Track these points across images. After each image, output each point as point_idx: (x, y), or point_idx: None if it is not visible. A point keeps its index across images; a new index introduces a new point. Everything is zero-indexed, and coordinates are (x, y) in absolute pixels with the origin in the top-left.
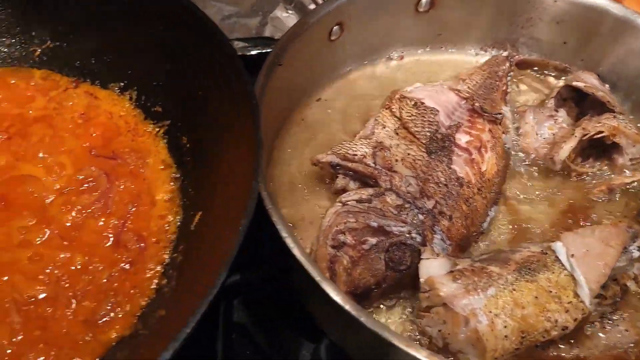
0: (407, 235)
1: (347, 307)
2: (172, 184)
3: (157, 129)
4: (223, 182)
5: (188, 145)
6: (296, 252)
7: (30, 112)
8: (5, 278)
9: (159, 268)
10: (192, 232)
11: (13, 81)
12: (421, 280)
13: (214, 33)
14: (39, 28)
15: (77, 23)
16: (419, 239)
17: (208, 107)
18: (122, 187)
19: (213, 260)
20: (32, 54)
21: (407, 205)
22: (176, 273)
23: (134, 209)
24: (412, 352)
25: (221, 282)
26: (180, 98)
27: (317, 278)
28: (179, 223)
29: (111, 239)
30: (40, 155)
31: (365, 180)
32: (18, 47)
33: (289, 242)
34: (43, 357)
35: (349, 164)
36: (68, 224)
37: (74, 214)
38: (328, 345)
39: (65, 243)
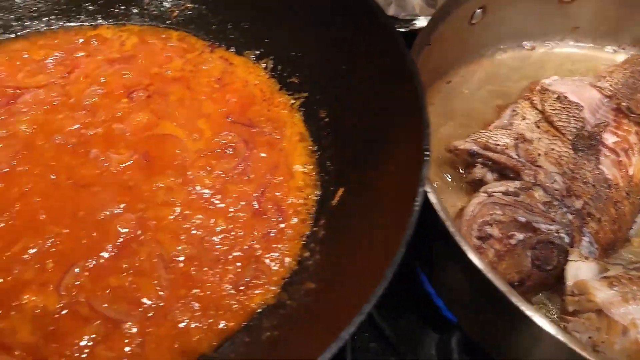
0: (555, 234)
1: (514, 299)
2: (308, 157)
3: (293, 101)
4: (374, 161)
5: (327, 120)
6: (462, 244)
7: (168, 72)
8: (151, 234)
9: (300, 240)
10: (333, 208)
11: (151, 40)
12: (568, 283)
13: (371, 9)
14: None
15: None
16: (567, 239)
17: (354, 83)
18: (260, 155)
19: (375, 243)
20: (169, 15)
21: (555, 203)
22: (319, 247)
23: (272, 179)
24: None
25: (395, 266)
26: (320, 71)
27: (483, 269)
28: (317, 197)
29: (252, 206)
30: (179, 116)
31: (504, 172)
32: (156, 6)
33: (453, 233)
34: (189, 315)
35: (490, 154)
36: (208, 187)
37: (214, 177)
38: (460, 339)
39: (206, 205)
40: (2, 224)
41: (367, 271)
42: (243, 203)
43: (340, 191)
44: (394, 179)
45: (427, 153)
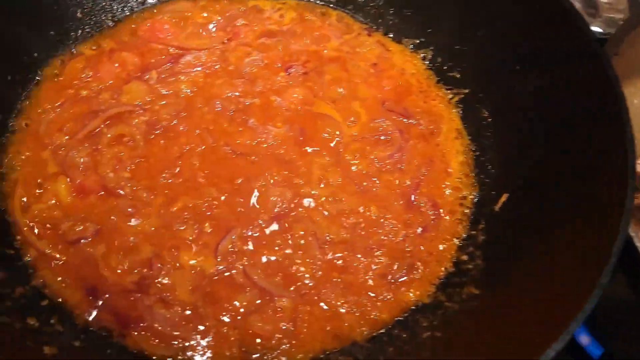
0: None
1: None
2: (466, 156)
3: (452, 96)
4: (556, 173)
5: (490, 120)
6: None
7: (325, 51)
8: (306, 212)
9: (455, 241)
10: (495, 213)
11: (309, 17)
12: None
13: (564, 7)
14: None
15: None
16: None
17: (530, 87)
18: (415, 147)
19: (563, 255)
20: None
21: None
22: (479, 253)
23: (426, 173)
24: None
25: (608, 275)
26: (487, 68)
27: None
28: (476, 199)
29: (406, 198)
30: (335, 96)
31: None
32: None
33: None
34: (341, 300)
35: None
36: (363, 173)
37: (368, 163)
38: None
39: (360, 191)
40: (164, 181)
41: (561, 285)
42: (397, 193)
43: (504, 197)
44: (581, 192)
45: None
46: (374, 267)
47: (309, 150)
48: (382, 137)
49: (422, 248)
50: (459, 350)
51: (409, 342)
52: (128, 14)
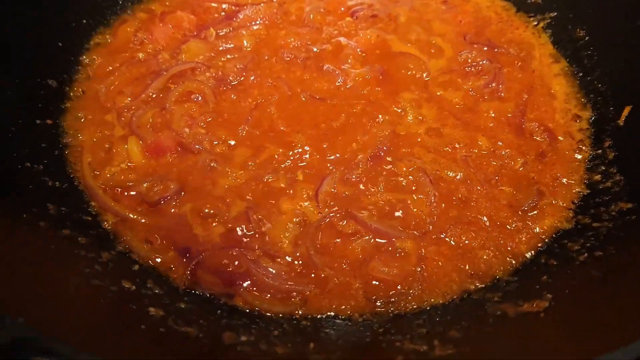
0: None
1: None
2: (568, 78)
3: (536, 22)
4: None
5: (587, 39)
6: None
7: None
8: (407, 149)
9: (581, 163)
10: (620, 128)
11: None
12: None
13: None
14: None
15: None
16: None
17: None
18: (511, 75)
19: None
20: None
21: None
22: (615, 169)
23: (529, 99)
24: None
25: None
26: None
27: None
28: (592, 118)
29: (514, 125)
30: (411, 35)
31: None
32: None
33: None
34: (469, 236)
35: None
36: (460, 105)
37: (463, 95)
38: None
39: (462, 123)
40: (244, 133)
41: None
42: (503, 122)
43: (627, 110)
44: None
45: None
46: (497, 200)
47: (396, 88)
48: (472, 69)
49: (545, 174)
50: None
51: (565, 267)
52: None
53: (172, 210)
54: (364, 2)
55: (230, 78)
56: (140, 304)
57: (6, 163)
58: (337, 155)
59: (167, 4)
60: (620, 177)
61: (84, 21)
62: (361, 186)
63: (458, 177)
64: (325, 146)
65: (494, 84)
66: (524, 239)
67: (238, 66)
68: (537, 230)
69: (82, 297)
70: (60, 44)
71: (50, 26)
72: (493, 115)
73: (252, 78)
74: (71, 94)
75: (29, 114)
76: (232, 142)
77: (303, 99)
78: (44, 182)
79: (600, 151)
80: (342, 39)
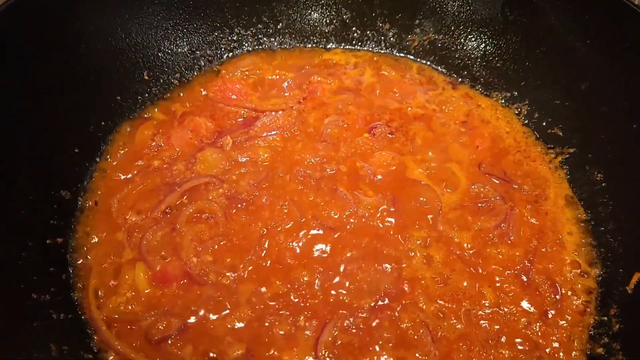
0: None
1: None
2: (581, 226)
3: (554, 155)
4: None
5: (604, 185)
6: None
7: (410, 109)
8: (411, 297)
9: (582, 329)
10: (629, 296)
11: (387, 71)
12: None
13: None
14: (424, 19)
15: (469, 21)
16: None
17: None
18: (522, 216)
19: None
20: (409, 44)
21: None
22: (619, 345)
23: (538, 246)
24: None
25: None
26: (596, 124)
27: None
28: (600, 277)
29: (520, 276)
30: (427, 159)
31: None
32: (395, 34)
33: None
34: None
35: None
36: (468, 248)
37: (472, 236)
38: None
39: (468, 269)
40: (250, 264)
41: None
42: (509, 272)
43: (636, 276)
44: None
45: None
46: None
47: (406, 222)
48: (483, 205)
49: (547, 338)
50: None
51: None
52: (196, 73)
53: (174, 350)
54: (382, 117)
55: (243, 195)
56: None
57: (13, 301)
58: (340, 297)
59: (188, 104)
60: (621, 357)
61: (102, 123)
62: (362, 338)
63: (460, 335)
64: (330, 286)
65: (504, 226)
66: None
67: (251, 183)
68: None
69: None
70: (76, 150)
71: (67, 131)
72: (499, 262)
73: (264, 199)
74: (83, 205)
75: (41, 233)
76: (238, 274)
77: (313, 226)
78: (49, 316)
79: (605, 318)
80: (358, 160)
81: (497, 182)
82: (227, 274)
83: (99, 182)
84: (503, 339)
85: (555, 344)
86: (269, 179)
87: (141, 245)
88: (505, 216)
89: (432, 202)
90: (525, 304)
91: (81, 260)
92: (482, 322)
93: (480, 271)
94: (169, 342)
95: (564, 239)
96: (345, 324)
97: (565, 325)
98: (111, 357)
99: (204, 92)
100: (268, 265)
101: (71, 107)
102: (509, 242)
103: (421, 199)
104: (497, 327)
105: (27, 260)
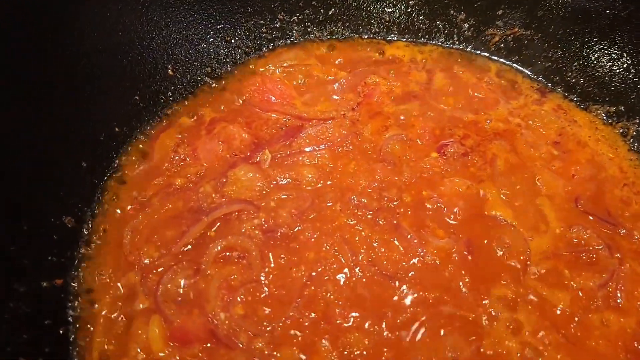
0: None
1: None
2: None
3: None
4: None
5: None
6: None
7: (489, 122)
8: None
9: None
10: None
11: (460, 71)
12: None
13: None
14: (510, 9)
15: (567, 13)
16: None
17: None
18: (633, 273)
19: None
20: (487, 40)
21: None
22: None
23: None
24: None
25: None
26: None
27: None
28: None
29: (634, 353)
30: (510, 190)
31: None
32: (472, 27)
33: None
34: None
35: None
36: (565, 312)
37: (571, 298)
38: None
39: (566, 342)
40: (290, 321)
41: None
42: (617, 345)
43: None
44: None
45: None
46: None
47: (483, 274)
48: (584, 256)
49: None
50: None
51: None
52: (230, 68)
53: None
54: (455, 132)
55: (283, 229)
56: None
57: None
58: None
59: (220, 108)
60: None
61: (117, 129)
62: None
63: None
64: (390, 355)
65: (610, 285)
66: None
67: (294, 212)
68: None
69: None
70: (83, 164)
71: (74, 140)
72: (605, 333)
73: (308, 234)
74: (90, 235)
75: (35, 273)
76: (275, 336)
77: (368, 274)
78: None
79: None
80: (424, 188)
81: (601, 225)
82: (262, 336)
83: (109, 206)
84: None
85: None
86: (315, 207)
87: (157, 292)
88: (612, 272)
89: (517, 249)
90: None
91: (82, 310)
92: None
93: (581, 344)
94: None
95: None
96: None
97: None
98: None
99: (238, 94)
100: (312, 323)
101: (77, 109)
102: (618, 306)
103: (506, 241)
104: None
105: (15, 312)
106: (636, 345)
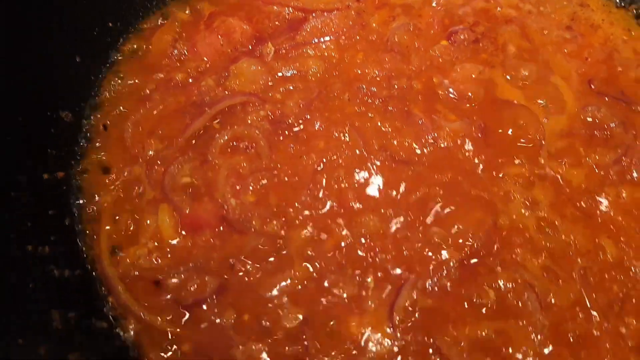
0: None
1: None
2: None
3: None
4: None
5: None
6: None
7: (499, 9)
8: (508, 251)
9: None
10: None
11: None
12: None
13: None
14: None
15: None
16: None
17: None
18: None
19: None
20: None
21: None
22: None
23: None
24: None
25: None
26: None
27: None
28: None
29: None
30: (525, 74)
31: None
32: None
33: None
34: None
35: None
36: (580, 187)
37: (586, 173)
38: None
39: (583, 216)
40: (303, 207)
41: None
42: (633, 216)
43: None
44: None
45: None
46: (622, 335)
47: (497, 153)
48: (598, 133)
49: None
50: None
51: None
52: None
53: (212, 317)
54: (464, 20)
55: (291, 120)
56: None
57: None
58: (419, 253)
59: (221, 2)
60: None
61: (110, 24)
62: (448, 302)
63: (576, 300)
64: (405, 236)
65: (625, 160)
66: None
67: (301, 103)
68: None
69: None
70: (77, 59)
71: (65, 34)
72: (623, 207)
73: (317, 124)
74: (90, 131)
75: (35, 164)
76: (288, 220)
77: (380, 159)
78: (49, 274)
79: None
80: (435, 75)
81: (615, 103)
82: (275, 220)
83: (108, 102)
84: (631, 305)
85: None
86: (323, 98)
87: (164, 182)
88: (628, 148)
89: (532, 129)
90: None
91: (88, 201)
92: (601, 282)
93: (598, 219)
94: (204, 307)
95: None
96: (427, 285)
97: None
98: (131, 326)
99: None
100: (326, 209)
101: (69, 2)
102: (633, 180)
103: (520, 122)
104: (620, 289)
105: (18, 202)
106: None
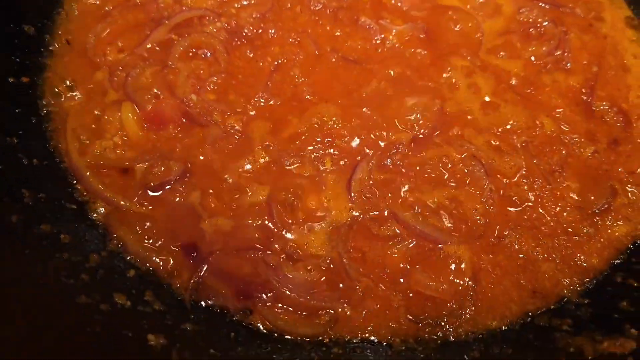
0: None
1: None
2: None
3: None
4: None
5: None
6: None
7: None
8: (458, 129)
9: None
10: None
11: None
12: None
13: None
14: None
15: None
16: None
17: None
18: (578, 41)
19: None
20: None
21: None
22: None
23: (599, 72)
24: None
25: None
26: None
27: None
28: None
29: (582, 104)
30: None
31: None
32: None
33: None
34: (533, 244)
35: None
36: (519, 76)
37: (523, 63)
38: None
39: (522, 99)
40: (262, 101)
41: None
42: (569, 99)
43: None
44: None
45: None
46: (561, 197)
47: (442, 51)
48: (533, 31)
49: (618, 167)
50: None
51: None
52: None
53: (177, 197)
54: None
55: (246, 30)
56: (137, 329)
57: None
58: (372, 135)
59: None
60: None
61: None
62: (403, 175)
63: (518, 166)
64: (359, 121)
65: (559, 52)
66: (594, 249)
67: (255, 15)
68: (613, 239)
69: (63, 325)
70: None
71: None
72: (557, 90)
73: (271, 32)
74: (52, 45)
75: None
76: (247, 113)
77: (333, 60)
78: (18, 161)
79: None
80: None
81: (547, 7)
82: (234, 113)
83: (70, 18)
84: (567, 171)
85: (629, 172)
86: (276, 10)
87: (127, 84)
88: (560, 41)
89: (472, 29)
90: (591, 133)
91: (53, 103)
92: (541, 151)
93: (534, 99)
94: (168, 187)
95: (628, 62)
96: (380, 163)
97: (638, 153)
98: (101, 209)
99: None
100: (282, 102)
101: None
102: (566, 68)
103: (459, 26)
104: (559, 157)
105: None
106: (583, 97)
